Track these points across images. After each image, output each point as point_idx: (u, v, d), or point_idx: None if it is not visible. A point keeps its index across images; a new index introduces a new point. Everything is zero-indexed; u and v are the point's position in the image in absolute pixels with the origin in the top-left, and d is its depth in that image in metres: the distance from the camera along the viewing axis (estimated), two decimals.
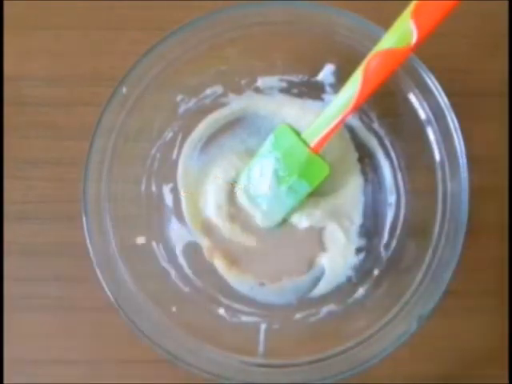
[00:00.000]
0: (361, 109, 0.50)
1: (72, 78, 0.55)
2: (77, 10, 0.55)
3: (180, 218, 0.52)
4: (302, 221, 0.51)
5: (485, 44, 0.54)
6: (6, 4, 0.55)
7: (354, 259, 0.51)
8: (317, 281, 0.51)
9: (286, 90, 0.52)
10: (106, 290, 0.43)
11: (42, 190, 0.54)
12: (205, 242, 0.51)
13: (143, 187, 0.50)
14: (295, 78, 0.51)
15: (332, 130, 0.46)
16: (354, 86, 0.43)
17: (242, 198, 0.51)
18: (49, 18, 0.55)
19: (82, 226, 0.44)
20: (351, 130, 0.51)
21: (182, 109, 0.51)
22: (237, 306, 0.50)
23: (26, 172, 0.54)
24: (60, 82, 0.55)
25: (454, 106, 0.43)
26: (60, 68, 0.55)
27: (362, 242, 0.51)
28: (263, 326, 0.48)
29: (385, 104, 0.49)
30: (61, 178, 0.54)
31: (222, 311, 0.49)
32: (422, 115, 0.45)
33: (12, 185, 0.54)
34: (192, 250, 0.52)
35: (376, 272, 0.50)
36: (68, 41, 0.55)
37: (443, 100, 0.44)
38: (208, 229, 0.52)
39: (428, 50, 0.44)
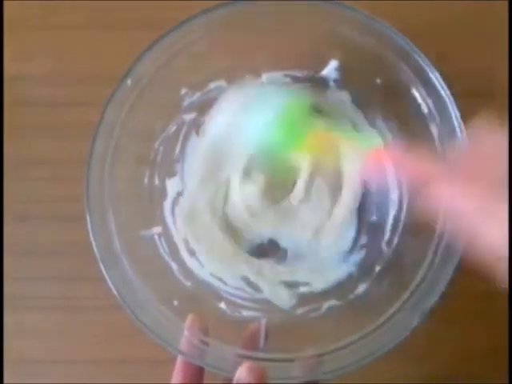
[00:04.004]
0: (365, 105, 0.51)
1: (72, 77, 0.55)
2: (77, 10, 0.55)
3: None
4: None
5: (485, 44, 0.54)
6: (5, 4, 0.55)
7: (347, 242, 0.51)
8: None
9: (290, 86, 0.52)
10: (110, 284, 0.43)
11: (42, 190, 0.54)
12: None
13: (146, 181, 0.50)
14: (300, 74, 0.51)
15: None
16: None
17: None
18: (49, 18, 0.56)
19: (82, 226, 0.44)
20: (354, 126, 0.51)
21: (185, 102, 0.51)
22: (238, 300, 0.50)
23: (26, 172, 0.54)
24: (60, 82, 0.55)
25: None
26: (60, 68, 0.55)
27: (363, 239, 0.51)
28: (264, 321, 0.48)
29: (388, 100, 0.49)
30: (61, 177, 0.54)
31: (223, 305, 0.49)
32: (426, 111, 0.45)
33: (12, 185, 0.54)
34: None
35: (377, 268, 0.50)
36: (68, 41, 0.55)
37: (447, 96, 0.43)
38: None
39: (429, 50, 0.44)
